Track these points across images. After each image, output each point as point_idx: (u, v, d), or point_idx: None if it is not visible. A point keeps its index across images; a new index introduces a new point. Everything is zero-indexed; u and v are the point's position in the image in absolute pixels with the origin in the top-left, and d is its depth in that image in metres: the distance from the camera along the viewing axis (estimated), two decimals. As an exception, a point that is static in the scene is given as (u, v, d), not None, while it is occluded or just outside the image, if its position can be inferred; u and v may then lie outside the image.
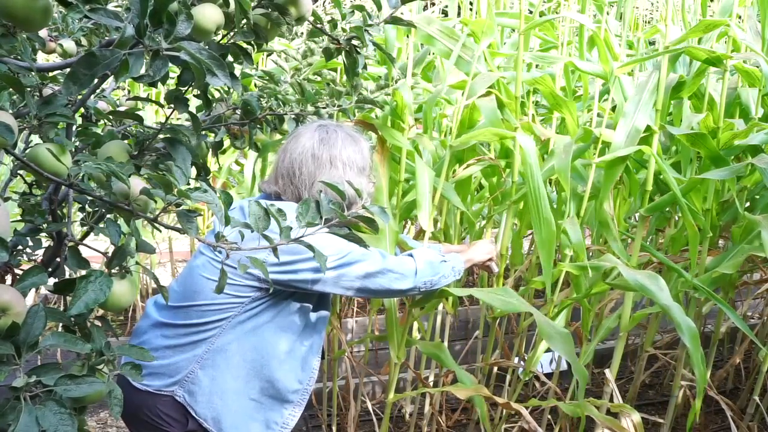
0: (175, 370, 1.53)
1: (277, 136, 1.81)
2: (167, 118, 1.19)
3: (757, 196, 2.34)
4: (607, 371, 2.07)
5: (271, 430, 1.62)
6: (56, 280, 1.02)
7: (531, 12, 2.51)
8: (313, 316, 1.63)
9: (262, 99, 1.59)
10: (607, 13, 2.35)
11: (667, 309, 1.78)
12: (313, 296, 1.61)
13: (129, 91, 2.98)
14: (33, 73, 1.03)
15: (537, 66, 2.37)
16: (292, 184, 1.59)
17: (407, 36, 1.97)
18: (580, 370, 1.85)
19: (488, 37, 1.93)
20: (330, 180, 1.44)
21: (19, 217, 1.15)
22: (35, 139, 1.04)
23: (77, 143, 1.18)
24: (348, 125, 1.71)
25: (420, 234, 2.09)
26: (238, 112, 1.53)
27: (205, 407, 1.53)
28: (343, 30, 1.40)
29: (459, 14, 2.55)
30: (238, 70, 1.30)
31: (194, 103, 1.62)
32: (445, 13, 3.44)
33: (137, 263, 1.09)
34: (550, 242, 1.86)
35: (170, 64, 0.90)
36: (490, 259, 2.00)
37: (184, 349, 1.53)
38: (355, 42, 1.39)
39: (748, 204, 2.34)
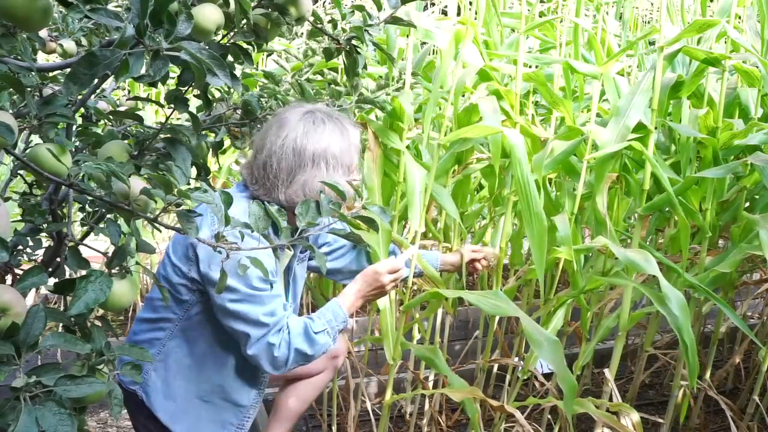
0: None
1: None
2: (167, 118, 1.20)
3: (757, 196, 2.34)
4: (606, 371, 2.07)
5: (227, 430, 1.62)
6: (56, 280, 1.02)
7: (528, 11, 2.51)
8: None
9: (262, 99, 1.59)
10: (606, 13, 2.35)
11: (658, 279, 1.75)
12: None
13: (129, 91, 2.98)
14: (33, 73, 1.03)
15: (536, 67, 2.37)
16: (268, 180, 1.49)
17: (407, 36, 1.97)
18: (567, 379, 1.71)
19: (466, 39, 1.93)
20: (311, 180, 1.44)
21: (19, 217, 1.15)
22: (35, 139, 1.04)
23: (77, 143, 1.18)
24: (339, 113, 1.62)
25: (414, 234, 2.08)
26: (239, 112, 1.53)
27: (160, 408, 1.55)
28: (343, 30, 1.40)
29: (458, 14, 2.55)
30: (238, 70, 1.30)
31: (194, 103, 1.62)
32: (445, 14, 3.44)
33: (137, 263, 1.09)
34: (540, 237, 1.84)
35: (170, 64, 0.90)
36: (475, 260, 1.99)
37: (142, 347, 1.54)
38: (355, 42, 1.40)
39: (747, 204, 2.34)
